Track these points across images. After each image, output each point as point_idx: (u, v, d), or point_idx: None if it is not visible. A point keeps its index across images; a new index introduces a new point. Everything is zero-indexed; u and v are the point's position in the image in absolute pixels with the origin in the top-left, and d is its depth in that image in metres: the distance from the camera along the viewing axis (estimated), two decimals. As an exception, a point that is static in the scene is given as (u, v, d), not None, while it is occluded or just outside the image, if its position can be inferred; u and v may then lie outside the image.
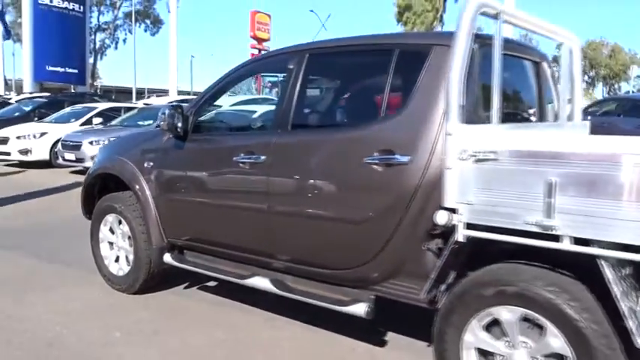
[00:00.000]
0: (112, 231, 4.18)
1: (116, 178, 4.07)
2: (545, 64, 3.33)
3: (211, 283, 4.22)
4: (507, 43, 3.08)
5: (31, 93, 20.41)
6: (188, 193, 3.63)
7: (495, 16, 2.56)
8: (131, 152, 4.03)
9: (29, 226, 6.18)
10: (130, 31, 35.49)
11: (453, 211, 2.34)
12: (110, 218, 4.16)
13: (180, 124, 3.56)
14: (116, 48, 38.72)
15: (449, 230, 2.39)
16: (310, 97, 3.29)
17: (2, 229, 6.02)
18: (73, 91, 22.90)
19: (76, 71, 24.46)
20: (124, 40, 38.36)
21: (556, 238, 2.11)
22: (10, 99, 18.92)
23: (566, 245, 2.09)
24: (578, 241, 2.07)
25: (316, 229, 2.96)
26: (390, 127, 2.71)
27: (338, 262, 2.91)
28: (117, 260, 4.15)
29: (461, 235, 2.32)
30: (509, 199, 2.19)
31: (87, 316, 3.65)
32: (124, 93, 35.16)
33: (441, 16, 27.96)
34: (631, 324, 2.00)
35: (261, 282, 3.25)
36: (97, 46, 37.74)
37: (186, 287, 4.23)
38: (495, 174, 2.23)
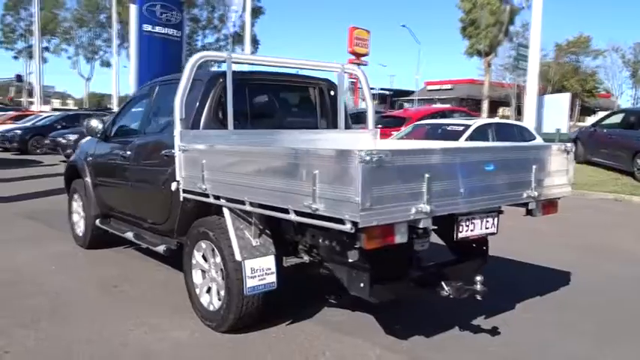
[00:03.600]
0: (78, 205, 6.11)
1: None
2: (317, 89, 4.67)
3: (144, 246, 5.95)
4: (275, 75, 4.55)
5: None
6: (104, 177, 5.44)
7: (224, 61, 4.03)
8: (84, 151, 5.93)
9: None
10: (234, 52, 39.14)
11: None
12: (76, 196, 6.09)
13: (101, 131, 5.39)
14: (219, 66, 42.88)
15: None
16: (153, 114, 4.91)
17: (46, 209, 8.31)
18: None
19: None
20: (225, 60, 42.44)
21: (207, 196, 3.57)
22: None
23: (211, 199, 3.54)
24: (217, 197, 3.51)
25: (146, 198, 4.60)
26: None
27: (158, 220, 4.52)
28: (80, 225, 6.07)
29: (181, 196, 3.85)
30: (192, 173, 3.69)
31: (43, 258, 5.58)
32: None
33: (507, 30, 27.80)
34: (235, 245, 3.40)
35: (129, 235, 4.95)
36: (202, 64, 42.33)
37: (125, 247, 6.02)
38: (188, 159, 3.73)
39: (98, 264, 5.40)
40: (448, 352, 3.48)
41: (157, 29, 28.15)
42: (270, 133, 4.24)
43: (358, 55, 44.42)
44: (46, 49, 49.20)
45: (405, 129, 10.31)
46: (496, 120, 10.23)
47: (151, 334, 3.70)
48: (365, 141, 4.82)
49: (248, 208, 3.21)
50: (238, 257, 3.38)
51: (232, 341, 3.57)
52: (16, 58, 52.71)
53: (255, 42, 41.66)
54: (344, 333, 3.73)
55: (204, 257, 3.86)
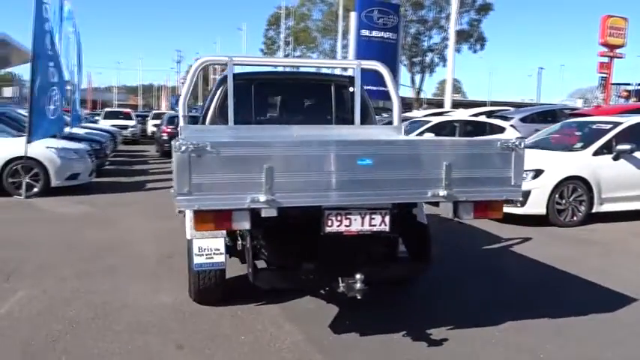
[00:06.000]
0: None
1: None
2: (334, 86, 4.79)
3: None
4: (289, 74, 4.86)
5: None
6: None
7: (226, 64, 4.49)
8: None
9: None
10: (458, 51, 38.60)
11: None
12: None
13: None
14: (444, 65, 42.73)
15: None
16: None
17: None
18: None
19: (386, 89, 29.07)
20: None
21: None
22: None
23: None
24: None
25: None
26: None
27: None
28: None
29: (181, 182, 4.47)
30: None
31: (155, 231, 6.85)
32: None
33: None
34: (187, 224, 3.87)
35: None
36: (427, 64, 42.79)
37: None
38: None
39: (181, 238, 6.39)
40: (357, 352, 3.37)
41: (374, 33, 29.60)
42: (268, 129, 4.57)
43: (612, 47, 39.22)
44: (287, 56, 55.86)
45: (550, 127, 9.15)
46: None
47: (147, 295, 4.42)
48: (381, 136, 4.75)
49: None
50: (188, 236, 3.86)
51: (192, 310, 4.05)
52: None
53: (481, 39, 40.34)
54: (291, 320, 3.88)
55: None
